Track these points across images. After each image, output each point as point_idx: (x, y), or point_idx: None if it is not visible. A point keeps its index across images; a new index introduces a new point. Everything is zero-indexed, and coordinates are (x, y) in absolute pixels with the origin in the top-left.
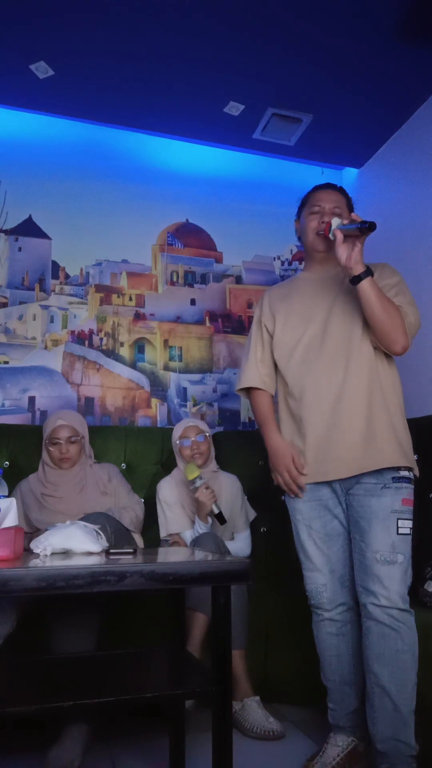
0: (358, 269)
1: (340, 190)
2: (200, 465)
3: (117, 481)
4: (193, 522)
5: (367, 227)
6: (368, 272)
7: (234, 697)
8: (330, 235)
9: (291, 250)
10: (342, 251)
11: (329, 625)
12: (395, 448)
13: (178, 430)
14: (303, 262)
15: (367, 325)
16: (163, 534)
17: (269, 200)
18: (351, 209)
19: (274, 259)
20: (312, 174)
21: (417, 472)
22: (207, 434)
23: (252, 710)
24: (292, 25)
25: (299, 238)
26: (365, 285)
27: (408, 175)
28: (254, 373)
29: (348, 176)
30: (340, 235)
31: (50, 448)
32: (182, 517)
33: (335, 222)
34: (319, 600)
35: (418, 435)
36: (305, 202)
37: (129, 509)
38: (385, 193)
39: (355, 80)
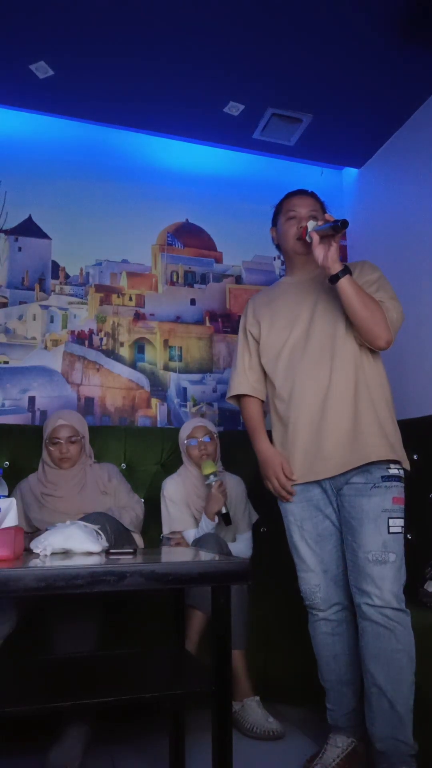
0: (336, 268)
1: (313, 195)
2: None
3: (117, 481)
4: (196, 521)
5: (340, 225)
6: (346, 270)
7: (234, 697)
8: (307, 238)
9: None
10: (319, 252)
11: (324, 625)
12: (381, 442)
13: (186, 430)
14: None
15: (351, 322)
16: (165, 531)
17: (269, 200)
18: (324, 212)
19: (274, 259)
20: (312, 174)
21: (407, 466)
22: (214, 435)
23: (252, 710)
24: (292, 26)
25: (277, 246)
26: (344, 283)
27: (408, 175)
28: (243, 381)
29: (348, 176)
30: (316, 237)
31: (50, 448)
32: (186, 515)
33: (311, 224)
34: (313, 600)
35: (418, 435)
36: (280, 209)
37: (129, 509)
38: (385, 193)
39: (355, 80)
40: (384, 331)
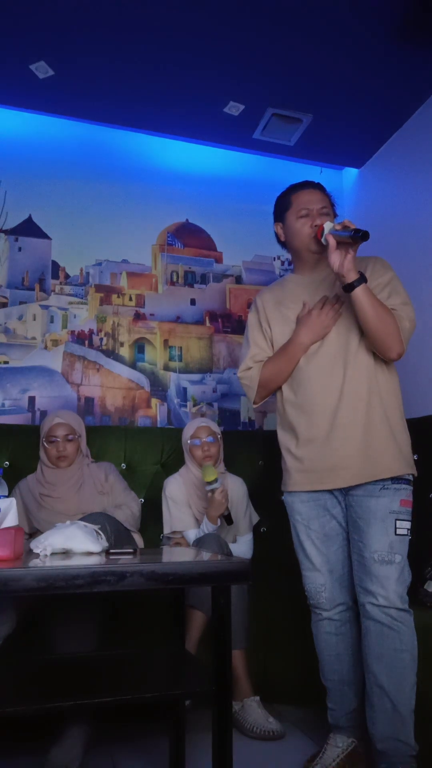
0: (351, 276)
1: (321, 188)
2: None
3: (113, 478)
4: (197, 521)
5: (360, 236)
6: (362, 279)
7: (234, 697)
8: (322, 240)
9: None
10: (335, 258)
11: (328, 625)
12: (395, 457)
13: (189, 430)
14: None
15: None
16: (166, 530)
17: (269, 200)
18: (334, 206)
19: (274, 259)
20: (312, 174)
21: (415, 472)
22: (218, 435)
23: (252, 710)
24: (292, 26)
25: (282, 243)
26: (359, 293)
27: (408, 175)
28: (257, 351)
29: (348, 176)
30: (333, 242)
31: (47, 446)
32: (187, 515)
33: (327, 226)
34: (317, 600)
35: (418, 435)
36: (288, 204)
37: (124, 506)
38: (385, 193)
39: (355, 80)
40: (396, 343)
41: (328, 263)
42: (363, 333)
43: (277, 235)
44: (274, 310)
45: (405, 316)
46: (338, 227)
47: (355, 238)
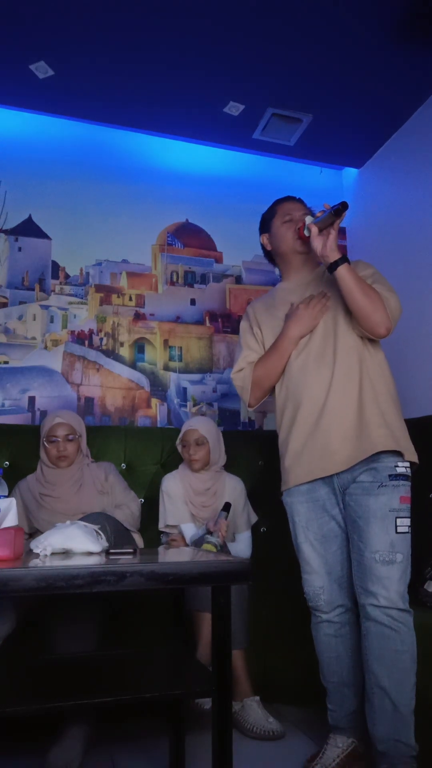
0: (334, 256)
1: (302, 201)
2: (197, 469)
3: (113, 478)
4: (193, 516)
5: (340, 207)
6: (344, 259)
7: (234, 697)
8: (305, 232)
9: None
10: (317, 242)
11: (327, 627)
12: (384, 433)
13: (181, 432)
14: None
15: (350, 315)
16: (161, 525)
17: (269, 200)
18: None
19: None
20: (312, 174)
21: (414, 458)
22: (206, 439)
23: (252, 710)
24: (292, 25)
25: (267, 253)
26: (342, 271)
27: (408, 175)
28: (248, 353)
29: (348, 176)
30: (314, 229)
31: (47, 446)
32: (182, 510)
33: (308, 219)
34: (317, 602)
35: (418, 435)
36: (273, 214)
37: (124, 506)
38: (385, 193)
39: (355, 80)
40: (384, 318)
41: (312, 263)
42: (349, 317)
43: (263, 247)
44: (264, 314)
45: (391, 298)
46: (318, 214)
47: (337, 211)
